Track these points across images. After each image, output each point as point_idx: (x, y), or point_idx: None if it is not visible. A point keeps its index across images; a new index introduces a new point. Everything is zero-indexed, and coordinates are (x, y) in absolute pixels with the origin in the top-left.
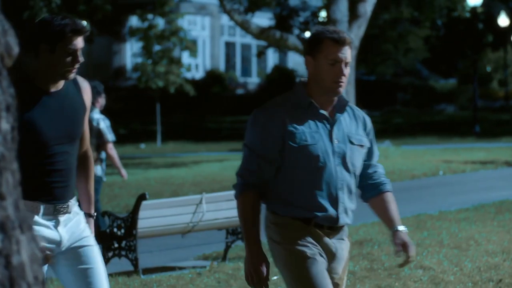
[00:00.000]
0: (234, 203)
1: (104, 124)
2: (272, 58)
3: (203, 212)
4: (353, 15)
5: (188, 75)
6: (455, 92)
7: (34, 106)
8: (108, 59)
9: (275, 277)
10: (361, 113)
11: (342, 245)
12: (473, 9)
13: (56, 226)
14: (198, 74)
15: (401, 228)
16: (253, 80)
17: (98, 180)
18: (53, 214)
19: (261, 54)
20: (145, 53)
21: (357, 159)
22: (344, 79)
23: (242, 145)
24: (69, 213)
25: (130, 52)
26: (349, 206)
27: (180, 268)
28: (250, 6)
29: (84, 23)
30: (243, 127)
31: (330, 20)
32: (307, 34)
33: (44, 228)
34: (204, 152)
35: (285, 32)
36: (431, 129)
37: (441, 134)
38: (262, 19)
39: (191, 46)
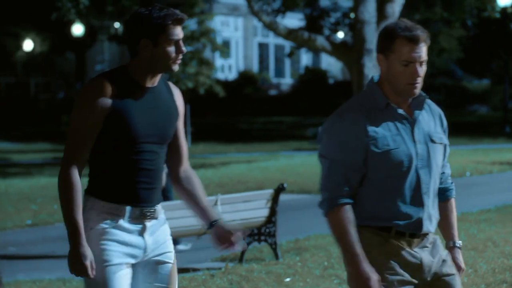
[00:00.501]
0: (250, 205)
1: None
2: (305, 58)
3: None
4: (381, 15)
5: (221, 76)
6: (488, 93)
7: (129, 97)
8: None
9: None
10: (437, 109)
11: (425, 253)
12: (504, 9)
13: (141, 232)
14: (231, 75)
15: (458, 244)
16: (286, 81)
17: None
18: (139, 219)
19: (292, 54)
20: None
21: (439, 159)
22: (419, 80)
23: (319, 157)
24: (156, 218)
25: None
26: (433, 213)
27: (195, 270)
28: (280, 7)
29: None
30: (275, 127)
31: (358, 20)
32: (340, 34)
33: (127, 233)
34: (233, 153)
35: (314, 33)
36: (462, 129)
37: (471, 135)
38: (293, 20)
39: (221, 47)
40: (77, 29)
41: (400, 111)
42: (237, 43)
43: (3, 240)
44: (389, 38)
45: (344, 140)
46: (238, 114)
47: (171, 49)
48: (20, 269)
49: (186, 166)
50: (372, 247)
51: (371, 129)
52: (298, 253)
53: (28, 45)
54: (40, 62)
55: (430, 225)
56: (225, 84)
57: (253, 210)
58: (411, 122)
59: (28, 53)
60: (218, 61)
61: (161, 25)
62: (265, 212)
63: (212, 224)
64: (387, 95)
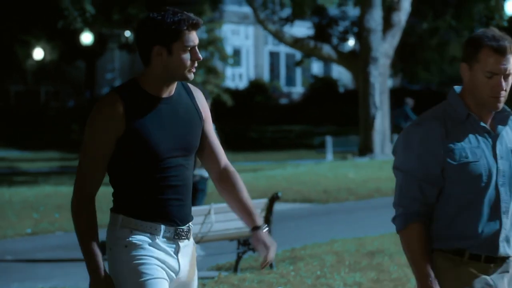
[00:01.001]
0: None
1: None
2: (316, 67)
3: (211, 222)
4: (387, 24)
5: (232, 85)
6: None
7: (145, 113)
8: None
9: None
10: None
11: (502, 281)
12: (511, 18)
13: (175, 252)
14: (242, 84)
15: None
16: (297, 90)
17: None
18: (173, 239)
19: (301, 62)
20: None
21: None
22: (503, 93)
23: (393, 170)
24: (188, 239)
25: None
26: (511, 235)
27: None
28: (289, 16)
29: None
30: (284, 136)
31: (364, 29)
32: (351, 42)
33: (163, 253)
34: (241, 162)
35: (321, 42)
36: None
37: None
38: (301, 28)
39: (229, 56)
40: (86, 38)
41: (482, 124)
42: (248, 52)
43: (2, 248)
44: (475, 47)
45: (421, 151)
46: (248, 123)
47: (187, 56)
48: (15, 278)
49: (225, 165)
50: (443, 273)
51: (449, 140)
52: (293, 262)
53: (38, 53)
54: (50, 71)
55: (509, 248)
56: (235, 92)
57: None
58: (494, 136)
59: (38, 62)
60: (229, 70)
61: (176, 30)
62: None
63: (252, 230)
64: (469, 106)
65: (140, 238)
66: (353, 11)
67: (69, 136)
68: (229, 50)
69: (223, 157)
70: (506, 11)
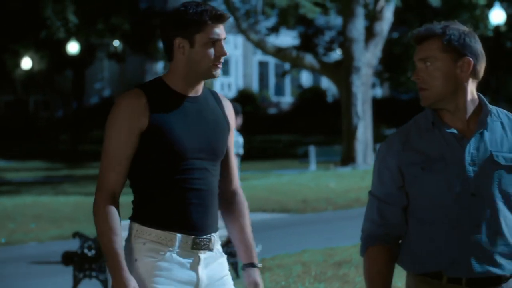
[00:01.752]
0: None
1: (241, 139)
2: (306, 77)
3: None
4: (370, 34)
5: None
6: None
7: (169, 109)
8: (141, 78)
9: None
10: None
11: None
12: (496, 28)
13: (194, 265)
14: (231, 93)
15: None
16: (287, 100)
17: None
18: (191, 249)
19: (286, 72)
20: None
21: (507, 186)
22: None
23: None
24: (211, 250)
25: (163, 71)
26: (493, 250)
27: None
28: (274, 25)
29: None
30: (271, 146)
31: (346, 38)
32: (339, 51)
33: (178, 266)
34: None
35: (303, 52)
36: None
37: None
38: (287, 38)
39: None
40: (73, 47)
41: (450, 130)
42: (237, 61)
43: None
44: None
45: (380, 168)
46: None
47: (210, 50)
48: None
49: (236, 187)
50: None
51: (407, 152)
52: (260, 273)
53: (27, 63)
54: (39, 80)
55: (490, 265)
56: None
57: None
58: (464, 142)
59: (27, 71)
60: (217, 79)
61: (198, 21)
62: (226, 232)
63: (245, 266)
64: (439, 112)
65: (151, 252)
66: (340, 21)
67: (57, 146)
68: None
69: (236, 178)
70: (491, 21)
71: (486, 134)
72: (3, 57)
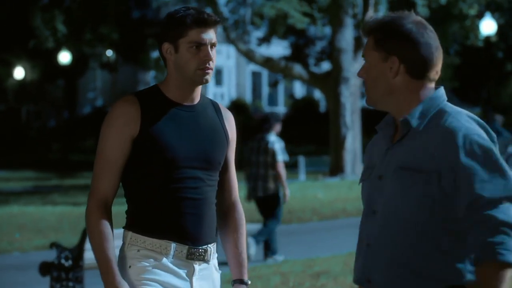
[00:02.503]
0: None
1: (278, 145)
2: (299, 87)
3: None
4: (359, 44)
5: None
6: None
7: (162, 117)
8: (133, 88)
9: None
10: (447, 128)
11: None
12: (487, 38)
13: (189, 275)
14: (224, 103)
15: None
16: (279, 110)
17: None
18: (186, 259)
19: (276, 83)
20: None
21: (406, 199)
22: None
23: None
24: (207, 261)
25: (154, 81)
26: (384, 275)
27: None
28: (266, 35)
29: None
30: None
31: (335, 49)
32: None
33: (172, 275)
34: None
35: (292, 62)
36: None
37: None
38: (278, 47)
39: None
40: (64, 57)
41: (384, 136)
42: (230, 71)
43: None
44: None
45: None
46: None
47: (194, 54)
48: None
49: (234, 200)
50: None
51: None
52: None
53: (19, 72)
54: (31, 90)
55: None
56: None
57: None
58: (386, 151)
59: (19, 81)
60: (211, 89)
61: (181, 26)
62: None
63: (235, 282)
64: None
65: (146, 259)
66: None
67: (48, 156)
68: None
69: (235, 191)
70: (481, 31)
71: (405, 143)
72: None
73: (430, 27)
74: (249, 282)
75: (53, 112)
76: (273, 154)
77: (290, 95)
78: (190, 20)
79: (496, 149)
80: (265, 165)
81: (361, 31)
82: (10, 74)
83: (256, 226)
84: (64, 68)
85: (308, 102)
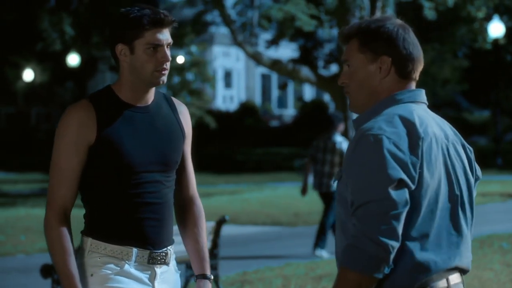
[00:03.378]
0: None
1: (345, 145)
2: (308, 90)
3: None
4: None
5: (223, 107)
6: (488, 124)
7: (118, 120)
8: None
9: None
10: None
11: None
12: (495, 41)
13: (151, 279)
14: (233, 106)
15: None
16: (289, 112)
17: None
18: (148, 264)
19: (284, 86)
20: (166, 84)
21: (339, 197)
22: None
23: None
24: (167, 264)
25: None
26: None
27: None
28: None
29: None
30: (271, 159)
31: (343, 51)
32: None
33: (134, 281)
34: (222, 185)
35: (299, 64)
36: None
37: None
38: (286, 50)
39: (211, 78)
40: (73, 59)
41: None
42: (239, 74)
43: None
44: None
45: None
46: (236, 145)
47: (150, 55)
48: None
49: (192, 195)
50: None
51: None
52: (240, 286)
53: (28, 75)
54: (41, 92)
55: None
56: (225, 115)
57: None
58: None
59: (28, 83)
60: (220, 92)
61: (136, 26)
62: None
63: (198, 277)
64: None
65: (107, 266)
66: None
67: None
68: (220, 72)
69: (193, 185)
70: (489, 34)
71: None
72: (3, 69)
73: (411, 30)
74: (212, 277)
75: (61, 114)
76: (340, 154)
77: (299, 97)
78: (147, 20)
79: (395, 152)
80: (331, 163)
81: (339, 38)
82: (19, 76)
83: (257, 229)
84: (73, 70)
85: (317, 105)
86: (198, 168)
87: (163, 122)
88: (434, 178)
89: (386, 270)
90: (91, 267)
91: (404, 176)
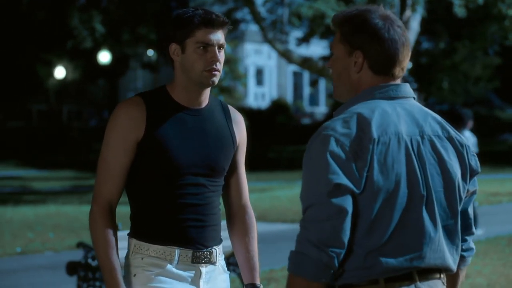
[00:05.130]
0: None
1: (473, 140)
2: None
3: None
4: None
5: (254, 105)
6: None
7: (168, 120)
8: None
9: None
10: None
11: None
12: None
13: (195, 279)
14: (265, 103)
15: None
16: (321, 110)
17: None
18: (192, 263)
19: (315, 83)
20: None
21: None
22: None
23: None
24: (213, 263)
25: None
26: None
27: None
28: (305, 35)
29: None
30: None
31: None
32: None
33: (177, 281)
34: (253, 182)
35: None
36: (488, 159)
37: (495, 164)
38: (317, 47)
39: (242, 76)
40: (104, 57)
41: None
42: (271, 71)
43: None
44: None
45: None
46: (268, 143)
47: (200, 55)
48: None
49: (244, 204)
50: None
51: None
52: (267, 284)
53: (60, 72)
54: (72, 90)
55: None
56: (257, 112)
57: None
58: None
59: (60, 81)
60: (252, 90)
61: (188, 26)
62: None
63: (246, 287)
64: None
65: (150, 267)
66: None
67: (88, 156)
68: (251, 69)
69: (245, 194)
70: None
71: None
72: (35, 67)
73: (398, 23)
74: (261, 286)
75: (93, 112)
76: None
77: (330, 94)
78: (198, 20)
79: (339, 155)
80: None
81: (331, 25)
82: (51, 74)
83: (286, 227)
84: (105, 68)
85: None
86: None
87: (214, 127)
88: (390, 180)
89: (332, 275)
90: (134, 267)
91: (344, 181)
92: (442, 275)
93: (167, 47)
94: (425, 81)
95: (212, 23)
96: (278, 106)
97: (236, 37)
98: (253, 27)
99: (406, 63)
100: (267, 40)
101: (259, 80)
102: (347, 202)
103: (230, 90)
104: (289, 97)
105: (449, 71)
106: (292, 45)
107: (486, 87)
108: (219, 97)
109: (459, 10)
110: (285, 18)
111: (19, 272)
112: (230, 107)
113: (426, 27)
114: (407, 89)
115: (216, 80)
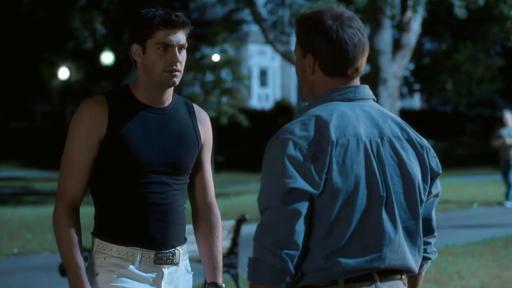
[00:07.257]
0: None
1: None
2: None
3: None
4: (397, 45)
5: (258, 105)
6: None
7: (130, 118)
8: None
9: None
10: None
11: None
12: None
13: (157, 280)
14: (268, 104)
15: None
16: None
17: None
18: (154, 264)
19: None
20: (199, 83)
21: None
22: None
23: None
24: (176, 264)
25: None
26: None
27: None
28: None
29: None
30: None
31: (373, 50)
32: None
33: (139, 282)
34: (254, 183)
35: None
36: (489, 160)
37: (497, 166)
38: None
39: (244, 77)
40: (107, 58)
41: None
42: (275, 72)
43: None
44: None
45: None
46: None
47: (161, 55)
48: None
49: (210, 202)
50: None
51: None
52: None
53: (63, 73)
54: (76, 91)
55: None
56: (260, 113)
57: None
58: None
59: (63, 81)
60: (255, 90)
61: (148, 26)
62: (227, 243)
63: (209, 286)
64: None
65: (112, 267)
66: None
67: None
68: (255, 70)
69: (210, 193)
70: None
71: None
72: (39, 68)
73: (352, 23)
74: (223, 286)
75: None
76: None
77: None
78: (157, 21)
79: (297, 158)
80: None
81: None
82: (54, 75)
83: None
84: (108, 68)
85: None
86: (230, 167)
87: (178, 125)
88: (349, 181)
89: (289, 279)
90: (97, 267)
91: (301, 185)
92: (403, 276)
93: (129, 47)
94: (428, 82)
95: (172, 24)
96: (282, 107)
97: (239, 38)
98: (256, 28)
99: (362, 63)
100: (268, 41)
101: (263, 81)
102: (302, 206)
103: (233, 91)
104: (293, 98)
105: (452, 72)
106: (293, 46)
107: (489, 88)
108: (222, 99)
109: (460, 11)
110: (286, 19)
111: (15, 273)
112: (195, 106)
113: (428, 28)
114: (367, 90)
115: (177, 80)
